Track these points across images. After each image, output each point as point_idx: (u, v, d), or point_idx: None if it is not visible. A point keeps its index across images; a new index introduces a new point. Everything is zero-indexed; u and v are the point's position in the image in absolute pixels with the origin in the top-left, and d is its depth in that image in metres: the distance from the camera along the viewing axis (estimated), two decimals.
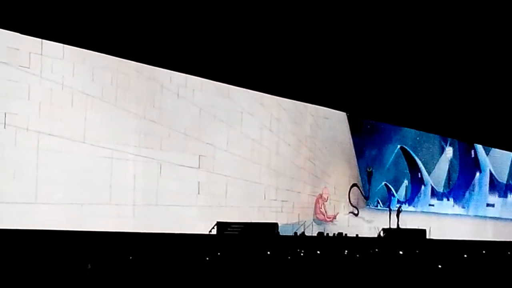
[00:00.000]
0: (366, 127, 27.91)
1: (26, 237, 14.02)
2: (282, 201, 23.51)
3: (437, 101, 27.79)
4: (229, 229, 19.26)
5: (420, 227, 25.05)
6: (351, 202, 27.10)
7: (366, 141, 27.79)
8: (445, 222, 30.95)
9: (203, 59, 20.31)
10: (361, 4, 19.29)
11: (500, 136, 32.59)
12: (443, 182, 31.82)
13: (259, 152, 22.90)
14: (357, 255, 16.73)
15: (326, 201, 25.55)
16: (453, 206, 32.15)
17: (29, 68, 16.78)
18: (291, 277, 11.58)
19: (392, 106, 27.25)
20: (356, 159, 27.23)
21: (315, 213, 25.04)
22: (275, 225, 20.27)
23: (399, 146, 29.53)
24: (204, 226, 19.35)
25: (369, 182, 27.82)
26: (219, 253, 14.48)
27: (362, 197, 27.65)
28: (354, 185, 27.39)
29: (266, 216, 22.27)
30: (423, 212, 30.28)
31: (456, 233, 29.15)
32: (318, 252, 16.97)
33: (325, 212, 25.46)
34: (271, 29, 20.31)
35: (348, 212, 26.73)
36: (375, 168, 28.06)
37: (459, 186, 32.61)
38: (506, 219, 34.82)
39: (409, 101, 27.24)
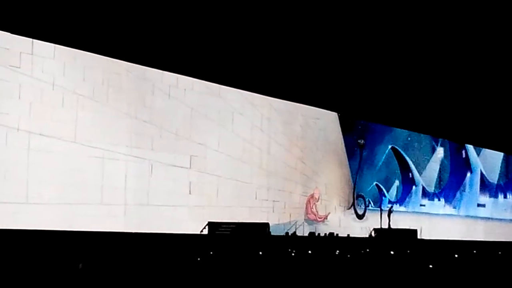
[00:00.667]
0: (357, 127, 27.91)
1: (17, 237, 13.96)
2: (274, 201, 23.49)
3: (428, 101, 27.90)
4: (220, 229, 19.22)
5: (411, 227, 25.09)
6: (357, 212, 27.34)
7: (357, 141, 27.76)
8: (436, 222, 31.01)
9: (194, 59, 20.32)
10: (353, 5, 19.36)
11: (491, 136, 32.75)
12: (434, 182, 31.89)
13: (250, 152, 22.88)
14: (348, 255, 16.75)
15: (318, 201, 25.54)
16: (444, 206, 32.22)
17: (19, 68, 16.72)
18: (283, 277, 11.58)
19: (384, 106, 27.32)
20: (347, 160, 27.24)
21: (307, 213, 25.03)
22: (266, 225, 20.25)
23: (390, 146, 29.54)
24: (195, 226, 19.31)
25: (360, 154, 27.67)
26: (210, 253, 14.48)
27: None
28: (359, 196, 27.54)
29: (257, 216, 22.22)
30: (414, 212, 30.31)
31: (447, 233, 29.25)
32: (310, 252, 16.99)
33: (317, 212, 25.46)
34: (262, 30, 20.35)
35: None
36: (367, 168, 28.07)
37: (450, 186, 32.68)
38: (496, 219, 34.97)
39: (400, 102, 27.33)
